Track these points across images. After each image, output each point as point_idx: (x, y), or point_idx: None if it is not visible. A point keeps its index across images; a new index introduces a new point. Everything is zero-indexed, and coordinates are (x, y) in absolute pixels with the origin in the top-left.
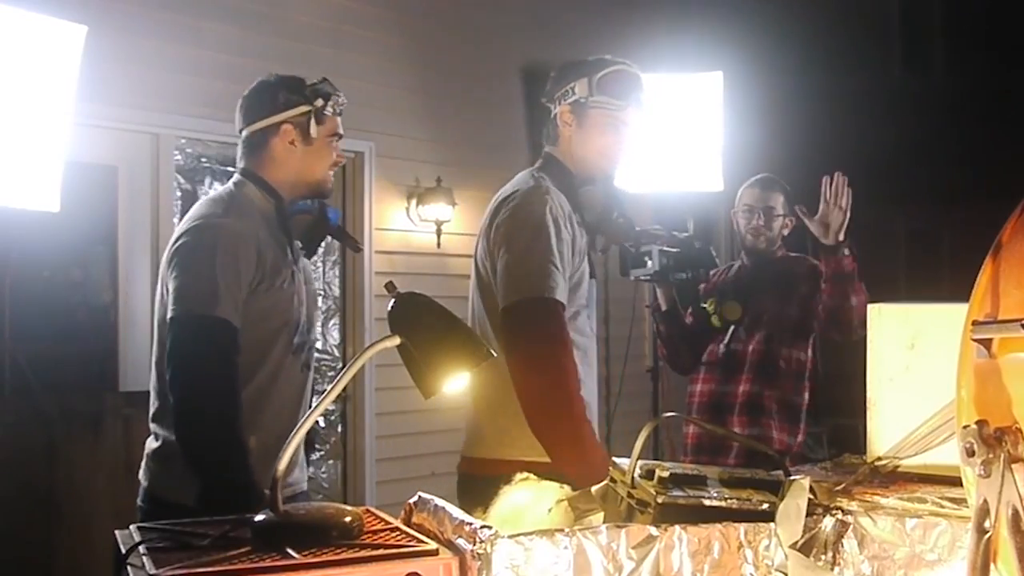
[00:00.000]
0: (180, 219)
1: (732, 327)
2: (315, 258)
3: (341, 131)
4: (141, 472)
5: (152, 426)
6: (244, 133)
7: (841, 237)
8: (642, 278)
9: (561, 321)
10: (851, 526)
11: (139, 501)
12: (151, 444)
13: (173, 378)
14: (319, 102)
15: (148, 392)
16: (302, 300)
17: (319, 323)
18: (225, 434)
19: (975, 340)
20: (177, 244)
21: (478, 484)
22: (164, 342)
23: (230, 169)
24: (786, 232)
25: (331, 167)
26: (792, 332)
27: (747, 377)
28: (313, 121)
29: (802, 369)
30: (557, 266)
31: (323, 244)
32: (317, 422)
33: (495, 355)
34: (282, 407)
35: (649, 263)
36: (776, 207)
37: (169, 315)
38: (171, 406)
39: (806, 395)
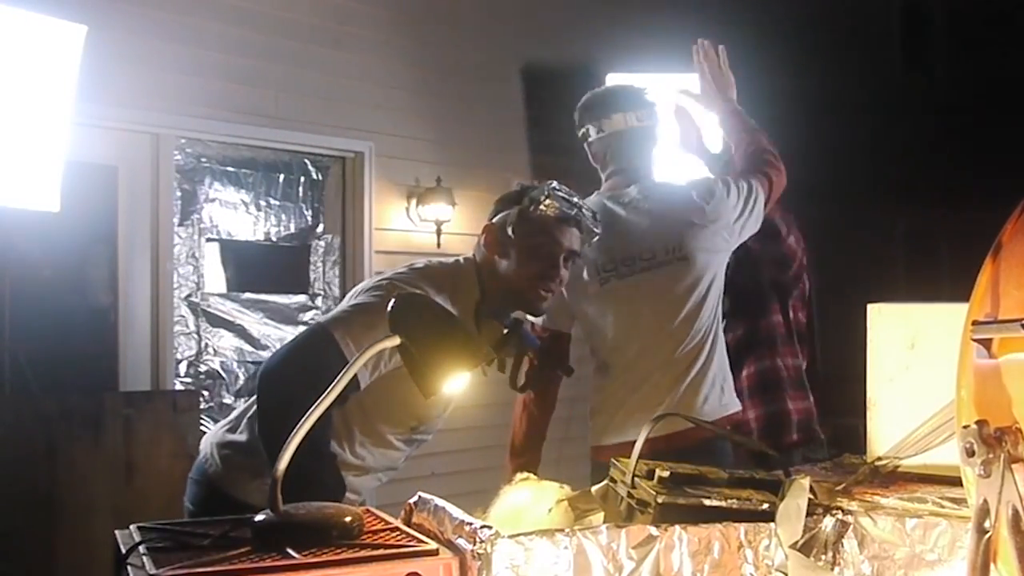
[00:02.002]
0: (180, 220)
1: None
2: (314, 258)
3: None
4: (208, 458)
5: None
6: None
7: (733, 95)
8: None
9: None
10: (851, 526)
11: (196, 496)
12: (232, 436)
13: None
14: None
15: (148, 392)
16: (447, 404)
17: None
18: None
19: (975, 340)
20: None
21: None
22: None
23: (230, 169)
24: None
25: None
26: (756, 302)
27: (746, 362)
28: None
29: (783, 331)
30: None
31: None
32: None
33: (494, 355)
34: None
35: None
36: None
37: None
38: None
39: (800, 358)
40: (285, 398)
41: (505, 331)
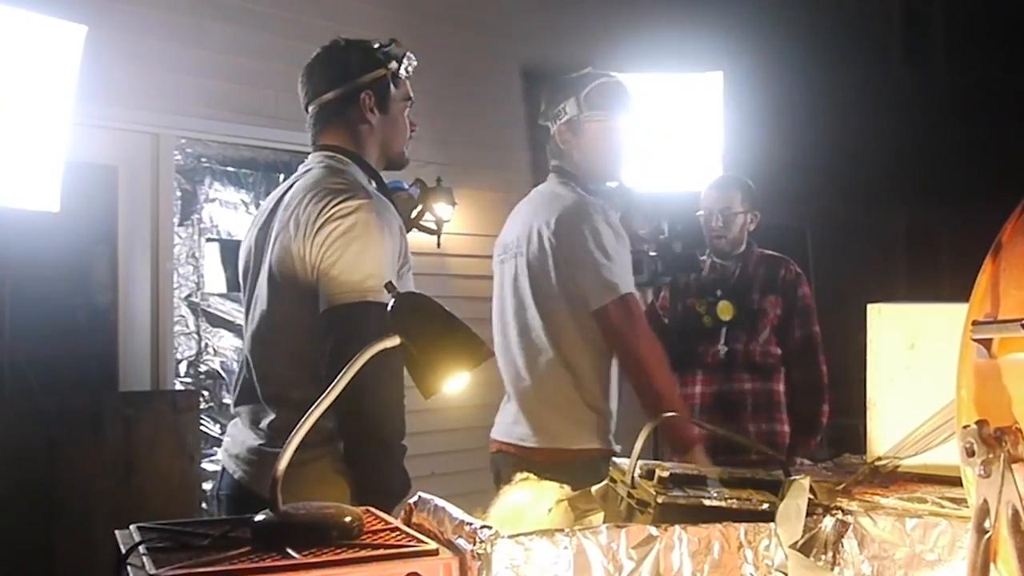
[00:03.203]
0: (180, 220)
1: (724, 327)
2: None
3: (412, 95)
4: (231, 464)
5: (251, 421)
6: (314, 104)
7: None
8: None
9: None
10: (851, 526)
11: (223, 491)
12: (252, 441)
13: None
14: (393, 65)
15: (148, 392)
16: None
17: None
18: (400, 426)
19: (975, 340)
20: (337, 229)
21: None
22: (294, 333)
23: (230, 169)
24: (751, 228)
25: (409, 135)
26: (777, 329)
27: (752, 376)
28: (391, 85)
29: (779, 360)
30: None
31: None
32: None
33: (494, 355)
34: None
35: (643, 271)
36: (733, 206)
37: (332, 305)
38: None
39: (782, 385)
40: None
41: None
